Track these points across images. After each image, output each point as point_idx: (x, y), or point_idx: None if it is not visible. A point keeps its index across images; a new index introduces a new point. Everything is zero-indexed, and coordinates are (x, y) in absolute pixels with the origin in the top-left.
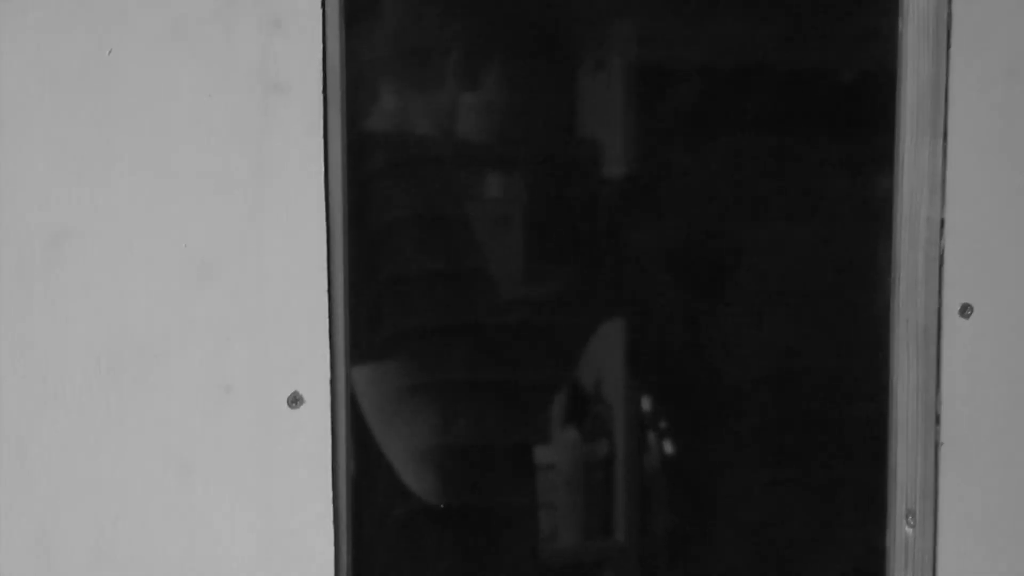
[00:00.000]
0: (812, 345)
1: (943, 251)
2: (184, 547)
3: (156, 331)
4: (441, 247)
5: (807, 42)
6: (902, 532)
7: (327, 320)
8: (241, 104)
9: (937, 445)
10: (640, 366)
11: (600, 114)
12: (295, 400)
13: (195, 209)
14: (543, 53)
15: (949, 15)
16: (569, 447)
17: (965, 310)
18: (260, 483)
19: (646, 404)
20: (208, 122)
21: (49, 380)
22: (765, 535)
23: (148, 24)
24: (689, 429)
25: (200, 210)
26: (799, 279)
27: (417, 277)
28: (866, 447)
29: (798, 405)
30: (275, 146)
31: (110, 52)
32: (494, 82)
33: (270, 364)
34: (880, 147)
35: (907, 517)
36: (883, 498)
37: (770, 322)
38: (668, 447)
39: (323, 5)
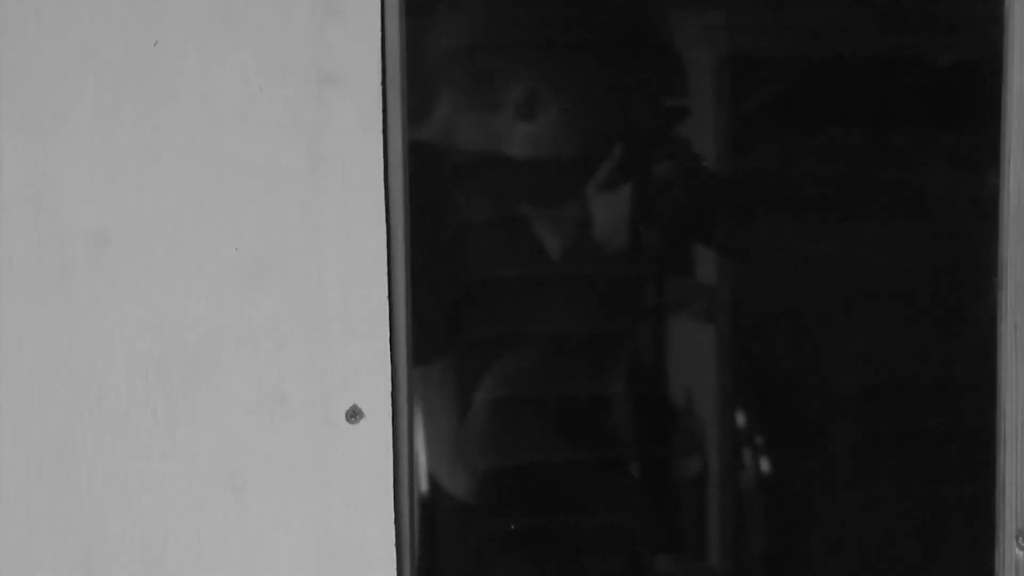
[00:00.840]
0: (913, 353)
1: None
2: (236, 569)
3: (206, 338)
4: (516, 252)
5: (903, 26)
6: (1012, 555)
7: (388, 327)
8: (295, 96)
9: None
10: (735, 378)
11: (687, 110)
12: (354, 414)
13: (247, 208)
14: (623, 45)
15: None
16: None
17: None
18: (317, 503)
19: (740, 419)
20: (260, 115)
21: (94, 390)
22: (864, 558)
23: (195, 12)
24: (786, 445)
25: (252, 209)
26: (899, 281)
27: (490, 283)
28: (973, 462)
29: (899, 417)
30: (331, 141)
31: (156, 43)
32: (570, 81)
33: (327, 374)
34: (985, 138)
35: (1018, 538)
36: (991, 517)
37: (867, 328)
38: (764, 464)
39: None
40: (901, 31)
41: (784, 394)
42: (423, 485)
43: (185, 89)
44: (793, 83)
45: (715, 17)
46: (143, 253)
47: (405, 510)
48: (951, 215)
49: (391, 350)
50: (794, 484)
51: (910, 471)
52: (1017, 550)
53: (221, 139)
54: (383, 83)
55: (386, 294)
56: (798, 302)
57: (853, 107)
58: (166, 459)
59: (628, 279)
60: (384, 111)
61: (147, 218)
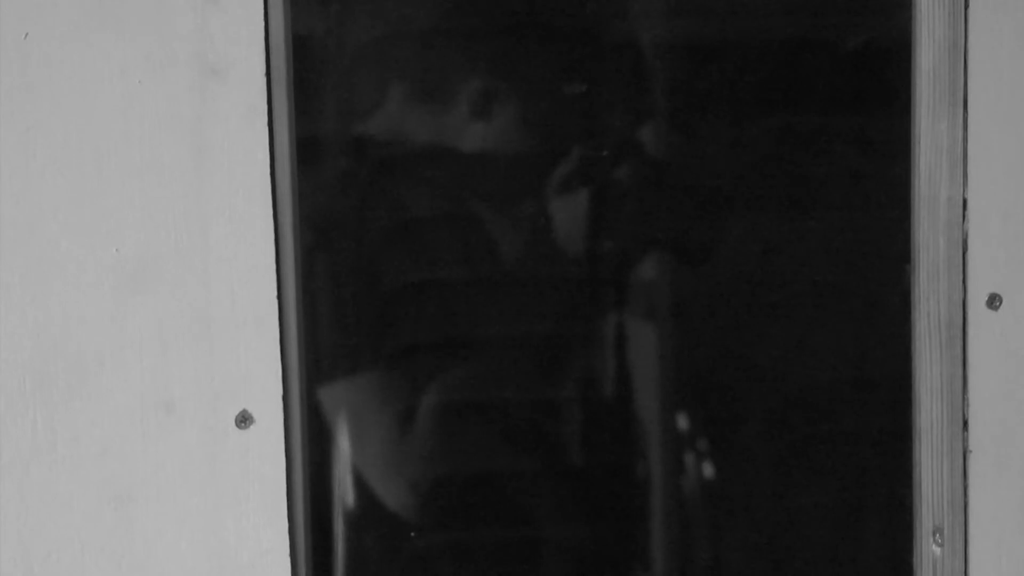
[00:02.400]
0: (823, 346)
1: (967, 235)
2: None
3: (87, 343)
4: (416, 253)
5: (808, 7)
6: (929, 552)
7: (278, 329)
8: (176, 89)
9: (965, 453)
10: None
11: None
12: (244, 419)
13: (127, 207)
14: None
15: None
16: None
17: (993, 301)
18: (207, 513)
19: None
20: (139, 110)
21: None
22: (783, 558)
23: (68, 3)
24: (712, 447)
25: (133, 208)
26: (805, 273)
27: (392, 288)
28: (887, 458)
29: (812, 415)
30: (215, 135)
31: (26, 36)
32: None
33: (215, 379)
34: (894, 121)
35: (934, 535)
36: (907, 514)
37: (781, 325)
38: (708, 470)
39: None
40: (808, 14)
41: (705, 395)
42: (316, 493)
43: (59, 84)
44: (699, 69)
45: (620, 3)
46: (18, 256)
47: (300, 519)
48: (861, 200)
49: (281, 352)
50: (716, 487)
51: (825, 470)
52: (934, 547)
53: (99, 135)
54: (267, 75)
55: (275, 294)
56: (712, 298)
57: (759, 93)
58: (46, 472)
59: (559, 282)
60: (269, 104)
61: (21, 219)
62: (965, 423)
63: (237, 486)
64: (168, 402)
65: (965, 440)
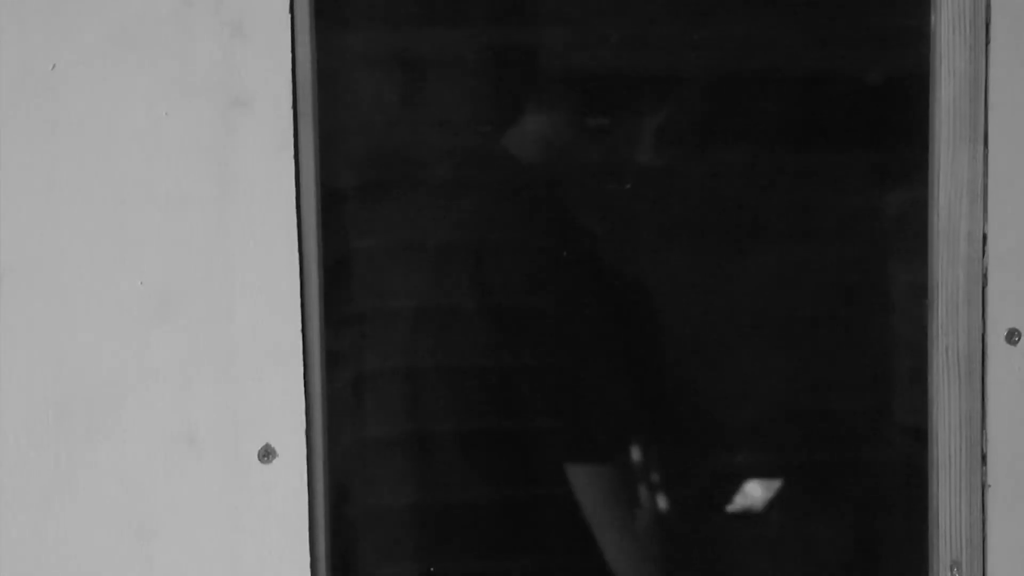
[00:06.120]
0: (839, 380)
1: (986, 269)
2: None
3: (110, 376)
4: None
5: (829, 42)
6: None
7: (302, 362)
8: (202, 121)
9: (984, 488)
10: (634, 410)
11: (608, 127)
12: (267, 453)
13: (152, 239)
14: (531, 67)
15: (988, 6)
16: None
17: (1012, 336)
18: (228, 547)
19: (636, 454)
20: (165, 141)
21: None
22: None
23: (95, 34)
24: (710, 477)
25: (157, 240)
26: (825, 305)
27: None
28: (905, 492)
29: (826, 447)
30: (240, 166)
31: (54, 67)
32: (483, 93)
33: (238, 413)
34: (913, 155)
35: (952, 570)
36: (925, 549)
37: (791, 355)
38: (662, 502)
39: (291, 7)
40: (828, 48)
41: (704, 426)
42: (338, 528)
43: (86, 115)
44: (717, 101)
45: (639, 32)
46: (42, 288)
47: (321, 553)
48: (880, 234)
49: (305, 386)
50: (722, 516)
51: (838, 504)
52: None
53: (124, 167)
54: (294, 106)
55: (299, 327)
56: (722, 329)
57: (779, 125)
58: (69, 507)
59: (534, 310)
60: (295, 134)
61: (46, 251)
62: (984, 457)
63: (259, 520)
64: (191, 435)
65: (984, 474)
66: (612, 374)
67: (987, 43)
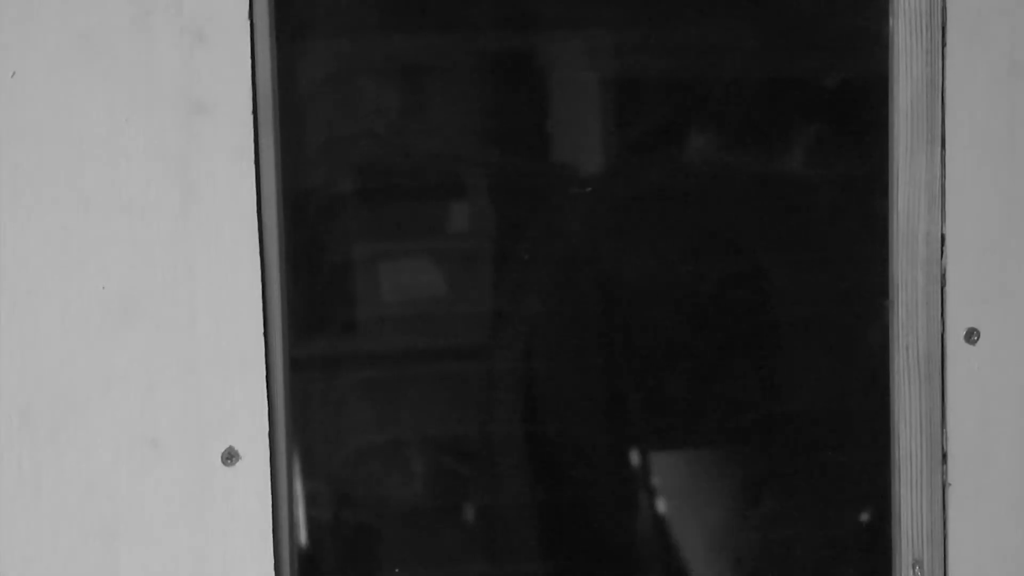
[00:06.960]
0: (804, 381)
1: (945, 270)
2: None
3: (74, 381)
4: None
5: (787, 46)
6: None
7: (264, 366)
8: (162, 127)
9: (944, 486)
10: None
11: (571, 132)
12: (230, 456)
13: (113, 244)
14: (501, 69)
15: (943, 9)
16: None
17: (971, 335)
18: (193, 549)
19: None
20: (126, 148)
21: None
22: None
23: (55, 41)
24: (680, 480)
25: (119, 245)
26: (785, 308)
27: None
28: (866, 491)
29: (791, 448)
30: (201, 172)
31: (13, 75)
32: (448, 101)
33: (201, 416)
34: (872, 158)
35: (914, 567)
36: (887, 547)
37: (758, 358)
38: (661, 506)
39: (251, 15)
40: (786, 52)
41: (677, 429)
42: (304, 531)
43: (46, 122)
44: (677, 106)
45: (600, 38)
46: (4, 294)
47: (285, 556)
48: (839, 236)
49: (267, 388)
50: (687, 520)
51: (803, 503)
52: None
53: (85, 173)
54: (254, 112)
55: (261, 330)
56: (690, 334)
57: (738, 130)
58: (33, 511)
59: (516, 315)
60: (256, 141)
61: (7, 257)
62: (944, 456)
63: (223, 523)
64: (154, 439)
65: (944, 473)
66: (592, 379)
67: (943, 46)
